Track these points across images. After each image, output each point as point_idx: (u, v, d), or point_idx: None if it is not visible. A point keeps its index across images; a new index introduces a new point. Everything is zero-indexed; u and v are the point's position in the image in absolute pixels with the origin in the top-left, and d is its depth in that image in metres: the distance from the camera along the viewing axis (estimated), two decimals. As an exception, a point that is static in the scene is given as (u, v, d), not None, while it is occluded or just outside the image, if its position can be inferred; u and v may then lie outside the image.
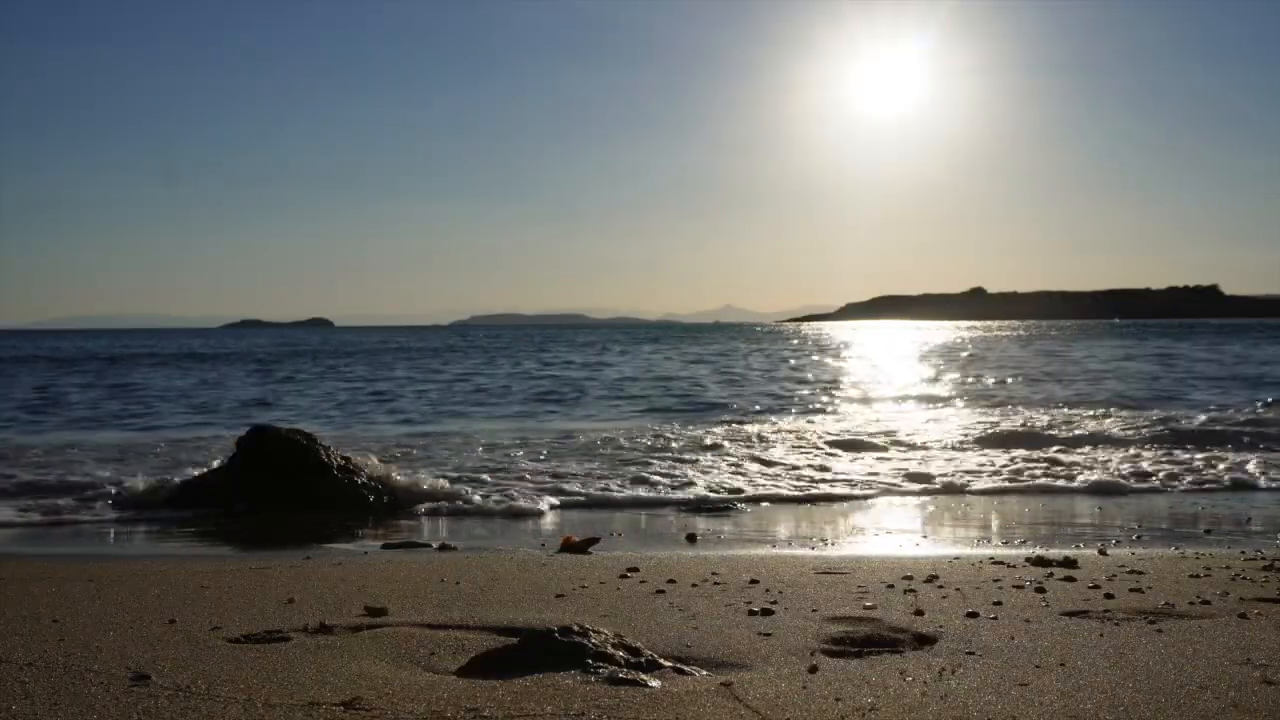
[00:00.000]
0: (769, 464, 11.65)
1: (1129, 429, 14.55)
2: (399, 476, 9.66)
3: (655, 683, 3.33)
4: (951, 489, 10.01)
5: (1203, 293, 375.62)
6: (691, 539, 7.31)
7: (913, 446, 13.28)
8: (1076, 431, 14.35)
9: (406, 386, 26.96)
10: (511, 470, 11.12)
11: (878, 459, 12.19)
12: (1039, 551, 6.10)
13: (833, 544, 7.00)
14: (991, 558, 5.89)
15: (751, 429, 15.69)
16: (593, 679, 3.33)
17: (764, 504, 9.27)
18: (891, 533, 7.70)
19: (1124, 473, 10.76)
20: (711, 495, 9.57)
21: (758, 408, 20.23)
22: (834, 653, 3.76)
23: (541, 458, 12.25)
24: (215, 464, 10.09)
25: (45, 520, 8.56)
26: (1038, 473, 10.86)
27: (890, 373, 32.54)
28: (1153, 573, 5.41)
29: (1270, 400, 19.13)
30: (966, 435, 14.25)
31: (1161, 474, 10.66)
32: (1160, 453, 12.35)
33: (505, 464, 11.64)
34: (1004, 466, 11.32)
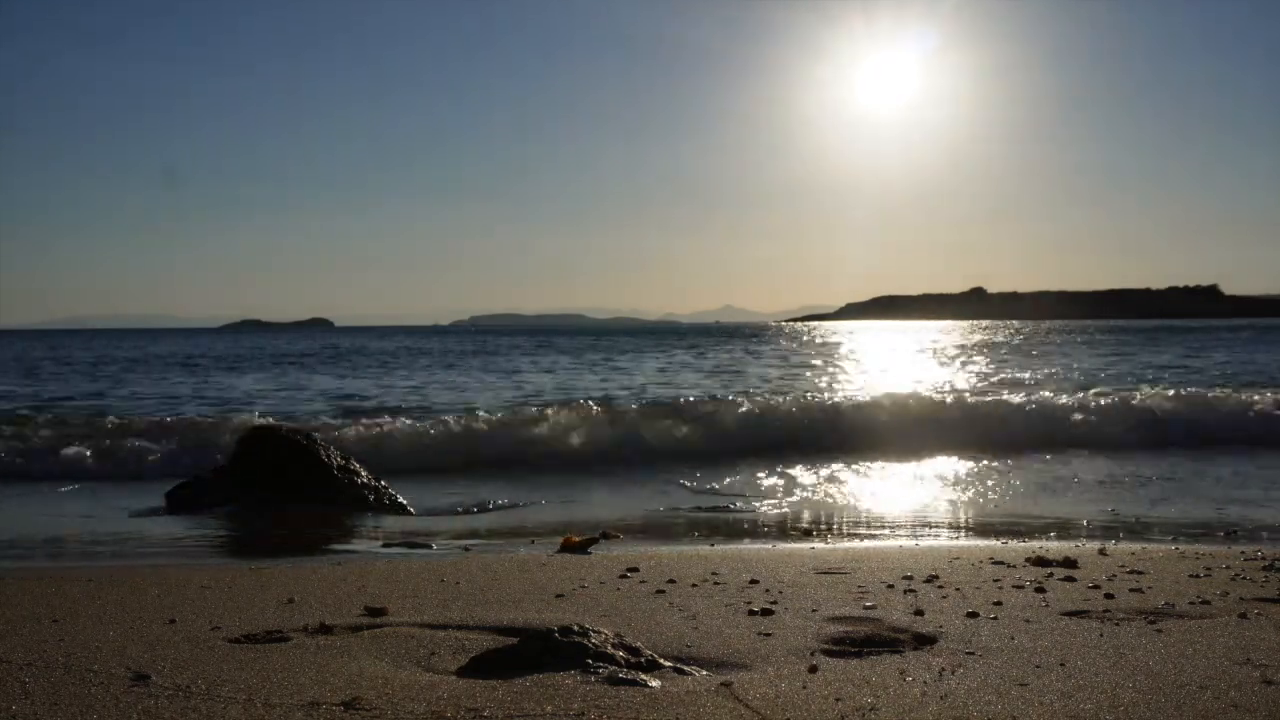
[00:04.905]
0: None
1: None
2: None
3: (655, 683, 3.33)
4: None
5: (1203, 293, 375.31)
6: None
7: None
8: None
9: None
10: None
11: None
12: (1039, 552, 6.10)
13: (833, 543, 7.00)
14: (991, 558, 5.89)
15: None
16: (593, 679, 3.33)
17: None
18: (892, 532, 7.69)
19: None
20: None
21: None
22: (834, 653, 3.76)
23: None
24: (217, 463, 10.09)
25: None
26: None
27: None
28: (1153, 573, 5.41)
29: None
30: None
31: None
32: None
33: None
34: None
